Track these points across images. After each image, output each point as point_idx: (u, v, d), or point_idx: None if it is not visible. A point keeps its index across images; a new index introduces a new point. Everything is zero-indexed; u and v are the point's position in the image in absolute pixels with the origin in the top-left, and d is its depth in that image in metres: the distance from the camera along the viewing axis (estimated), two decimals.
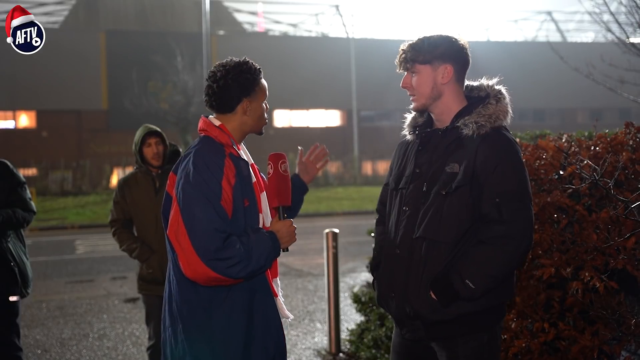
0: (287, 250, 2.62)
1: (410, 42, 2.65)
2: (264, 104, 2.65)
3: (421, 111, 2.72)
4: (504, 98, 2.66)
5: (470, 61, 2.69)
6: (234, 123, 2.61)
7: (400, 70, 2.70)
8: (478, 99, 2.68)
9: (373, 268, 2.84)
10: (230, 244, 2.38)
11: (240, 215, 2.48)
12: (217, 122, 2.61)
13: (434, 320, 2.53)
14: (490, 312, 2.57)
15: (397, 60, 2.67)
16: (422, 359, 2.71)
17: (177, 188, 2.47)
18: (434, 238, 2.52)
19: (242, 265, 2.39)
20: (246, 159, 2.59)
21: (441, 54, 2.61)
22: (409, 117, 2.81)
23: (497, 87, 2.70)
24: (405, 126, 2.82)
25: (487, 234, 2.47)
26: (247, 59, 2.63)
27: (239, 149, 2.59)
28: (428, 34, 2.65)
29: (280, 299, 2.65)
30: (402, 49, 2.66)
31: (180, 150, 4.65)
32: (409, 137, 2.80)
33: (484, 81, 2.75)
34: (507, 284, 2.59)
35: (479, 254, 2.47)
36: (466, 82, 2.74)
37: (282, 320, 2.67)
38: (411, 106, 2.73)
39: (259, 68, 2.64)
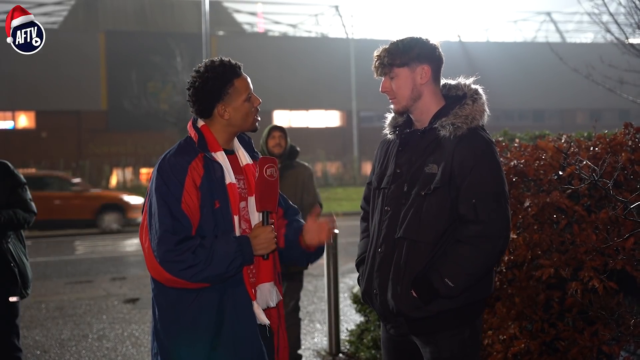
0: (267, 257, 2.54)
1: (384, 47, 2.68)
2: (246, 102, 2.58)
3: (401, 113, 2.76)
4: (481, 98, 2.69)
5: (444, 60, 2.72)
6: (217, 126, 2.59)
7: (378, 76, 2.73)
8: (455, 98, 2.72)
9: (358, 264, 2.89)
10: (185, 247, 2.37)
11: (209, 217, 2.46)
12: (200, 123, 2.60)
13: (416, 317, 2.59)
14: (470, 307, 2.63)
15: (373, 66, 2.70)
16: (409, 353, 2.76)
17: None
18: (415, 238, 2.58)
19: (197, 269, 2.37)
20: (220, 161, 2.54)
21: (417, 54, 2.64)
22: (389, 116, 2.85)
23: (473, 87, 2.73)
24: (385, 126, 2.86)
25: (465, 234, 2.53)
26: (219, 61, 2.57)
27: (215, 150, 2.55)
28: (399, 38, 2.69)
29: (270, 302, 2.58)
30: (377, 55, 2.69)
31: (298, 149, 5.23)
32: (389, 136, 2.84)
33: (462, 80, 2.78)
34: (485, 282, 2.66)
35: (457, 253, 2.53)
36: (444, 81, 2.77)
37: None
38: (391, 108, 2.77)
39: (235, 67, 2.57)
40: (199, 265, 2.37)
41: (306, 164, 5.35)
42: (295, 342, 5.30)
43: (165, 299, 2.50)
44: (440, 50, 2.70)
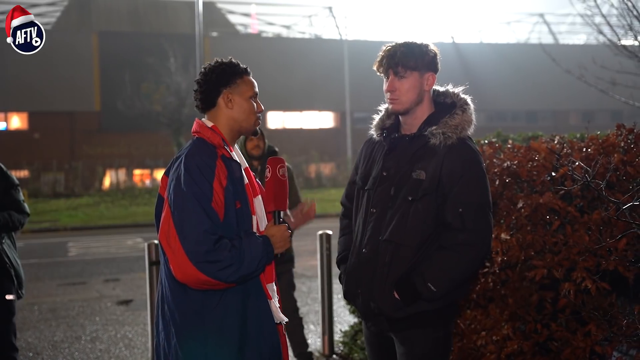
0: (280, 256, 2.59)
1: (398, 47, 2.70)
2: (252, 100, 2.63)
3: (400, 114, 2.77)
4: (469, 108, 2.76)
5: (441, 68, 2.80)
6: (222, 120, 2.59)
7: (382, 73, 2.75)
8: (444, 105, 2.77)
9: (339, 262, 2.94)
10: (221, 247, 2.36)
11: (232, 218, 2.46)
12: (209, 124, 2.60)
13: (397, 317, 2.67)
14: (447, 309, 2.72)
15: (379, 63, 2.72)
16: (393, 349, 2.81)
17: (169, 190, 2.46)
18: (400, 242, 2.64)
19: (233, 268, 2.36)
20: (238, 160, 2.58)
21: (429, 63, 2.71)
22: (377, 117, 2.89)
23: (462, 97, 2.79)
24: (372, 126, 2.89)
25: (450, 241, 2.61)
26: (235, 59, 2.65)
27: (231, 150, 2.57)
28: (409, 40, 2.73)
29: (275, 302, 2.62)
30: (388, 53, 2.70)
31: (277, 150, 5.25)
32: (376, 137, 2.87)
33: (450, 88, 2.83)
34: (463, 285, 2.77)
35: (442, 259, 2.60)
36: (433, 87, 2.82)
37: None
38: (389, 108, 2.78)
39: (245, 67, 2.65)
40: (234, 265, 2.37)
41: (286, 164, 5.38)
42: (302, 342, 5.34)
43: (189, 304, 2.46)
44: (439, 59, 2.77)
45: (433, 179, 2.61)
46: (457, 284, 2.66)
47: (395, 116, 2.81)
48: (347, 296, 2.88)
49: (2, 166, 4.29)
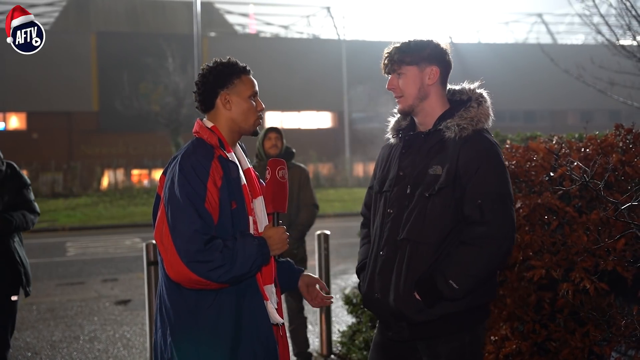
0: (278, 258, 2.59)
1: (395, 45, 2.69)
2: (251, 100, 2.62)
3: (407, 113, 2.75)
4: (485, 101, 2.71)
5: (453, 64, 2.74)
6: (221, 121, 2.59)
7: (386, 73, 2.74)
8: (460, 102, 2.72)
9: (359, 271, 2.87)
10: (213, 247, 2.36)
11: (227, 218, 2.46)
12: (209, 124, 2.60)
13: (419, 320, 2.57)
14: (473, 312, 2.60)
15: (382, 63, 2.72)
16: (402, 358, 2.74)
17: (165, 189, 2.48)
18: (418, 239, 2.56)
19: (224, 269, 2.36)
20: (235, 161, 2.57)
21: (428, 55, 2.66)
22: (392, 120, 2.86)
23: (478, 91, 2.75)
24: (388, 129, 2.86)
25: (470, 235, 2.52)
26: (233, 59, 2.64)
27: (228, 151, 2.57)
28: (412, 38, 2.71)
29: (272, 304, 2.60)
30: (387, 52, 2.70)
31: (294, 151, 5.30)
32: (392, 140, 2.84)
33: (466, 85, 2.80)
34: (489, 285, 2.64)
35: (462, 255, 2.50)
36: (448, 86, 2.78)
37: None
38: (397, 108, 2.77)
39: (244, 66, 2.63)
40: (225, 266, 2.36)
41: (302, 165, 5.41)
42: (303, 341, 5.37)
43: (183, 303, 2.46)
44: (450, 55, 2.72)
45: (449, 173, 2.54)
46: (481, 281, 2.53)
47: (410, 117, 2.77)
48: (365, 303, 2.78)
49: (15, 166, 4.35)
